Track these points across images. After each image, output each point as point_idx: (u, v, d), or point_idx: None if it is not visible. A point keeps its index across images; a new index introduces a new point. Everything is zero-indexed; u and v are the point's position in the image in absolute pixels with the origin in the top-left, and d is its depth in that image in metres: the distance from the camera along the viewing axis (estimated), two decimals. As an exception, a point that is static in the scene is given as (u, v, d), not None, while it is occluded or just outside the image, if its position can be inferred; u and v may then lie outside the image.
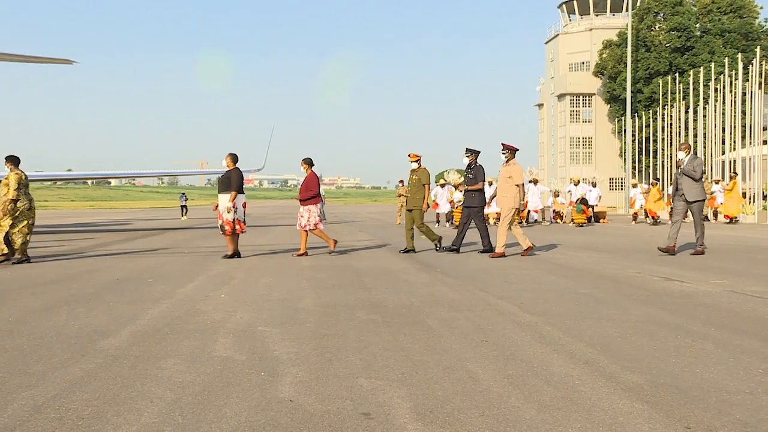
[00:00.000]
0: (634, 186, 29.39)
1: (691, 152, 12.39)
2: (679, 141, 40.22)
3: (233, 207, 11.97)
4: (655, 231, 21.38)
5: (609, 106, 63.30)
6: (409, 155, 13.41)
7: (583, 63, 68.19)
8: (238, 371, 4.28)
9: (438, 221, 25.89)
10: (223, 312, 6.50)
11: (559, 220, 28.21)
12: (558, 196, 29.14)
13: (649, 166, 51.79)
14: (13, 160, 11.69)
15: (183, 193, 43.00)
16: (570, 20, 70.57)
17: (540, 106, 77.29)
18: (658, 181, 33.31)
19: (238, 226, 12.13)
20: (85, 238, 18.42)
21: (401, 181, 29.51)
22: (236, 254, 12.23)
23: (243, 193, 12.33)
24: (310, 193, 12.59)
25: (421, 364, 4.45)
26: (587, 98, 67.99)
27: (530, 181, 26.95)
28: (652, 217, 26.45)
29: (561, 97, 69.44)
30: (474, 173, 13.24)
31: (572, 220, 26.19)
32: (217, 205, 12.23)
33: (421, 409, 3.53)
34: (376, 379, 4.08)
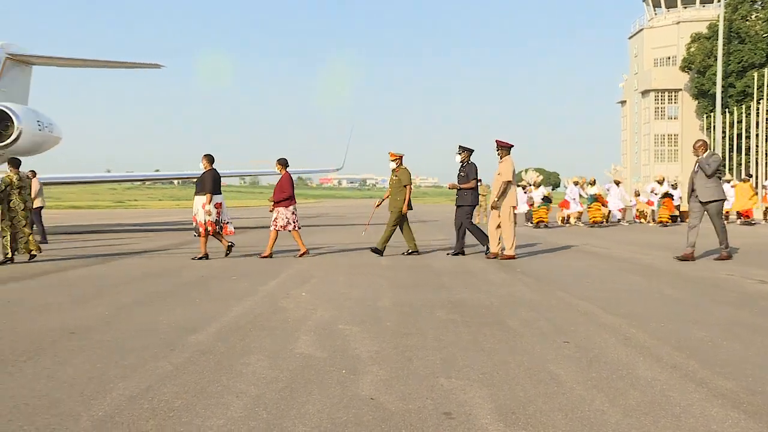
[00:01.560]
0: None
1: (709, 150, 11.27)
2: None
3: (213, 208, 11.96)
4: (746, 232, 20.47)
5: (697, 101, 61.01)
6: (389, 153, 12.86)
7: (669, 58, 66.01)
8: (320, 369, 4.35)
9: (515, 221, 25.37)
10: (304, 310, 6.61)
11: (642, 220, 27.37)
12: (639, 195, 28.27)
13: (740, 164, 49.63)
14: (14, 162, 12.12)
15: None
16: (656, 14, 68.36)
17: (623, 103, 75.24)
18: (751, 177, 31.78)
19: (218, 228, 12.14)
20: (170, 237, 19.07)
21: (480, 180, 29.21)
22: (206, 257, 11.98)
23: (219, 194, 12.26)
24: (284, 194, 12.43)
25: (502, 364, 4.41)
26: (673, 94, 65.81)
27: (613, 182, 26.26)
28: (746, 217, 25.21)
29: (645, 93, 67.43)
30: (466, 171, 12.70)
31: (653, 219, 25.38)
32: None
33: (503, 410, 3.50)
34: (457, 379, 4.06)
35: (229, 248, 12.39)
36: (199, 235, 12.18)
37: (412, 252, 12.68)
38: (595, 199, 24.35)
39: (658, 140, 66.57)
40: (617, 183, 26.16)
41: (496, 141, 12.13)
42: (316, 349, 4.91)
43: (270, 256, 12.21)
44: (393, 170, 12.87)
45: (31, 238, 11.66)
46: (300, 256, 12.37)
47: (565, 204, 25.76)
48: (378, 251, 12.40)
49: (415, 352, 4.76)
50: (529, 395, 3.74)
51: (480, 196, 27.77)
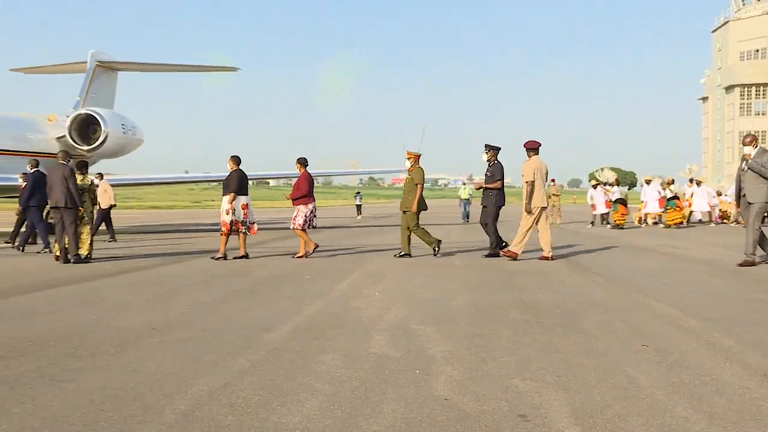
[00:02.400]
0: None
1: (759, 146, 10.48)
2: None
3: (231, 209, 12.04)
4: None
5: (787, 96, 58.23)
6: (406, 152, 12.55)
7: (758, 51, 63.25)
8: (394, 368, 4.37)
9: (593, 222, 24.76)
10: (378, 309, 6.65)
11: (726, 221, 26.33)
12: (721, 195, 27.17)
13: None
14: (81, 165, 12.62)
15: (358, 192, 42.02)
16: (743, 5, 65.60)
17: (704, 99, 72.61)
18: None
19: (245, 228, 12.18)
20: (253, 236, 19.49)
21: (552, 180, 28.75)
22: (224, 257, 11.96)
23: (246, 194, 12.34)
24: (300, 193, 12.44)
25: (578, 366, 4.33)
26: (761, 89, 63.03)
27: (692, 181, 25.34)
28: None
29: (729, 88, 64.87)
30: (492, 171, 12.35)
31: (737, 221, 24.40)
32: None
33: (579, 413, 3.43)
34: (532, 381, 4.01)
35: (244, 257, 12.14)
36: (222, 234, 12.19)
37: (404, 255, 12.18)
38: (675, 199, 23.60)
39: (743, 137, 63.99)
40: (698, 183, 25.24)
41: (524, 144, 11.87)
42: (389, 348, 4.93)
43: (305, 255, 12.25)
44: (408, 169, 12.60)
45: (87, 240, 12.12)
46: (297, 257, 12.26)
47: (642, 204, 25.06)
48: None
49: (489, 353, 4.73)
50: (606, 399, 3.65)
51: (554, 196, 27.34)
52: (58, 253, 11.68)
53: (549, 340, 5.11)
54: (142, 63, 29.20)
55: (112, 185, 19.70)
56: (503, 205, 12.40)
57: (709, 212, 26.08)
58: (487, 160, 12.48)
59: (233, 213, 12.11)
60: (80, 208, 11.70)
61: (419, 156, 12.56)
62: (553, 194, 27.49)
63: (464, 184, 32.60)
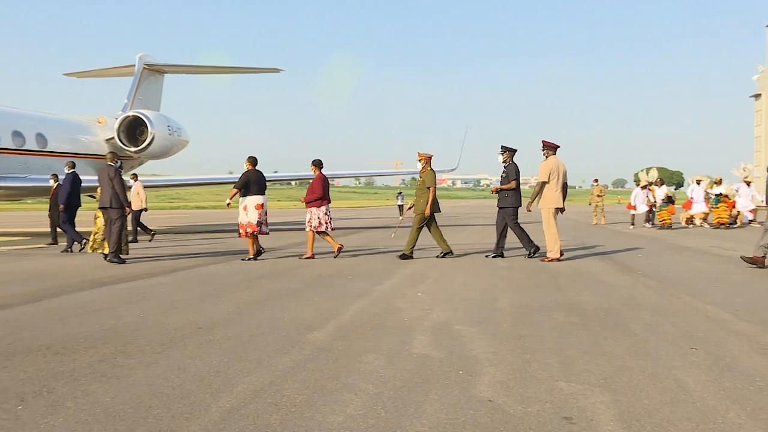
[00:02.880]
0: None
1: None
2: None
3: (254, 210, 12.12)
4: None
5: None
6: (417, 153, 12.49)
7: (814, 45, 61.23)
8: (437, 369, 4.36)
9: (633, 223, 24.22)
10: (420, 310, 6.64)
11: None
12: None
13: None
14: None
15: (400, 192, 41.57)
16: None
17: (757, 96, 70.73)
18: None
19: (259, 229, 12.24)
20: (288, 236, 19.64)
21: (596, 180, 28.32)
22: (258, 253, 12.22)
23: (262, 195, 12.41)
24: (314, 195, 12.45)
25: (625, 369, 4.26)
26: (816, 85, 60.98)
27: (743, 182, 24.68)
28: None
29: (784, 85, 62.94)
30: (507, 172, 12.30)
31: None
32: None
33: (626, 416, 3.38)
34: (577, 383, 3.96)
35: (257, 255, 12.23)
36: (246, 235, 12.29)
37: (446, 254, 12.19)
38: (721, 199, 23.05)
39: (797, 136, 62.03)
40: (747, 183, 24.57)
41: (542, 141, 11.80)
42: (432, 349, 4.92)
43: (312, 257, 12.25)
44: (420, 171, 12.53)
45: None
46: (336, 255, 12.39)
47: (688, 204, 24.51)
48: (407, 256, 11.94)
49: (533, 355, 4.68)
50: (654, 403, 3.59)
51: (597, 197, 26.93)
52: (107, 252, 11.94)
53: (594, 342, 5.04)
54: (188, 65, 29.71)
55: (155, 186, 20.06)
56: (519, 206, 12.32)
57: (755, 211, 25.35)
58: (503, 162, 12.45)
59: (246, 214, 12.22)
60: (126, 209, 11.94)
61: (431, 157, 12.52)
62: (597, 195, 27.08)
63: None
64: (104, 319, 6.18)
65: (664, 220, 22.87)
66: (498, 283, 8.65)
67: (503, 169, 12.43)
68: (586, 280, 8.84)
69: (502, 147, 12.48)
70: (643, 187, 24.51)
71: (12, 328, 5.76)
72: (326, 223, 12.56)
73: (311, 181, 12.84)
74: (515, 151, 12.41)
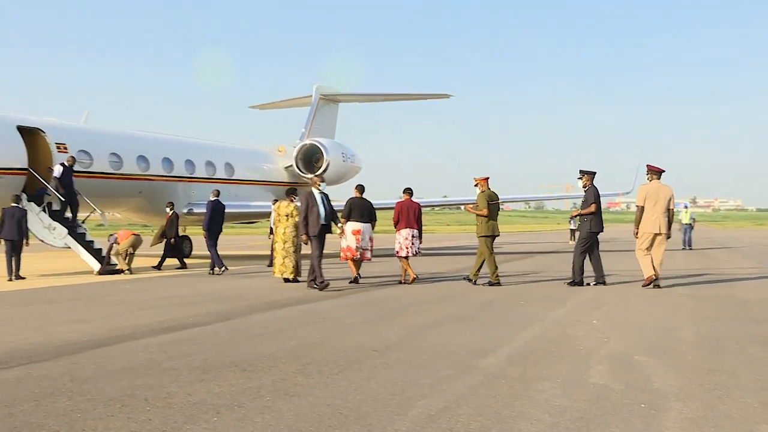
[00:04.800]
0: None
1: None
2: None
3: (350, 235, 12.28)
4: None
5: None
6: (473, 178, 12.36)
7: None
8: (616, 401, 4.17)
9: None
10: (596, 338, 6.39)
11: None
12: None
13: None
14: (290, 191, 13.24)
15: (572, 217, 40.91)
16: None
17: None
18: None
19: (358, 254, 12.37)
20: (458, 261, 19.67)
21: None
22: (354, 280, 12.29)
23: (366, 222, 12.58)
24: (394, 220, 12.75)
25: (836, 413, 3.83)
26: None
27: None
28: None
29: None
30: (587, 196, 11.79)
31: None
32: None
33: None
34: (779, 426, 3.62)
35: (356, 279, 12.40)
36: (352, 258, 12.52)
37: (493, 284, 11.62)
38: None
39: None
40: None
41: (647, 165, 11.39)
42: (611, 379, 4.71)
43: (403, 281, 12.27)
44: (477, 195, 12.31)
45: (285, 262, 12.71)
46: (411, 281, 12.23)
47: None
48: (495, 283, 11.57)
49: (725, 391, 4.34)
50: None
51: None
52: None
53: (797, 380, 4.59)
54: (361, 94, 30.85)
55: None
56: (600, 231, 11.82)
57: None
58: (583, 186, 12.04)
59: (346, 239, 12.51)
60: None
61: (487, 179, 12.31)
62: None
63: (686, 207, 30.28)
64: (285, 339, 6.52)
65: None
66: (679, 312, 8.14)
67: (584, 193, 12.07)
68: (783, 311, 8.09)
69: (581, 171, 12.17)
70: None
71: (207, 344, 6.23)
72: (407, 248, 12.64)
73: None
74: (594, 173, 12.04)
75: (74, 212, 15.79)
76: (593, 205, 11.72)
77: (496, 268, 11.86)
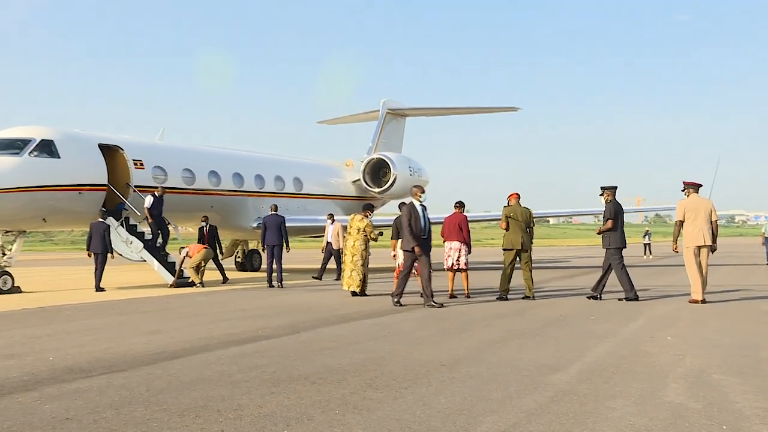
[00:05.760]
0: None
1: None
2: None
3: (399, 252, 11.97)
4: None
5: None
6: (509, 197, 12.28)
7: None
8: (694, 421, 4.03)
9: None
10: (671, 355, 6.20)
11: None
12: None
13: None
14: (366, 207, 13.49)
15: (647, 231, 39.19)
16: None
17: None
18: None
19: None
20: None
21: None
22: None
23: None
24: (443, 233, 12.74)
25: None
26: None
27: None
28: None
29: None
30: (605, 212, 11.73)
31: None
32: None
33: None
34: None
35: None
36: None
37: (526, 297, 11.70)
38: None
39: None
40: None
41: (683, 182, 11.28)
42: (688, 398, 4.56)
43: (451, 294, 12.31)
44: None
45: (352, 275, 12.74)
46: (450, 296, 12.24)
47: None
48: (529, 297, 11.68)
49: (814, 414, 4.15)
50: None
51: None
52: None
53: None
54: (428, 108, 30.96)
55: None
56: (622, 246, 11.64)
57: None
58: (606, 201, 11.81)
59: (398, 256, 12.46)
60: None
61: (518, 195, 12.30)
62: None
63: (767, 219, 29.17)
64: (354, 352, 6.56)
65: None
66: (762, 330, 7.83)
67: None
68: None
69: (602, 188, 12.03)
70: None
71: (276, 357, 6.34)
72: (454, 263, 12.60)
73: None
74: (615, 188, 11.87)
75: (165, 240, 16.38)
76: (610, 221, 11.62)
77: (507, 282, 11.87)
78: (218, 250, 17.49)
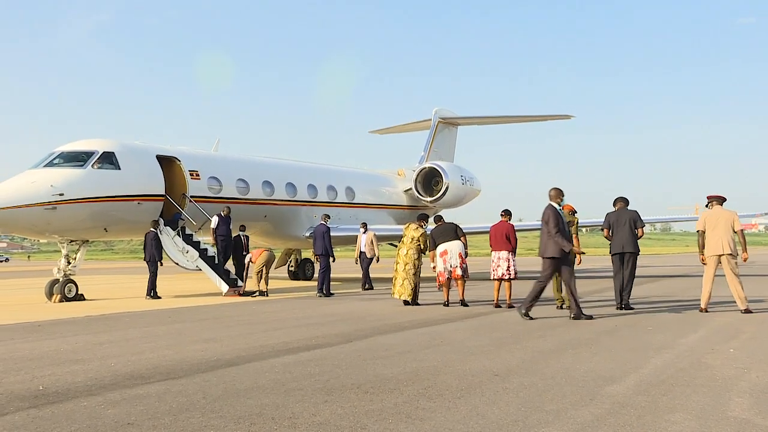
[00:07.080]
0: None
1: None
2: None
3: (439, 258, 12.51)
4: None
5: None
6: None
7: None
8: (760, 436, 3.90)
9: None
10: (735, 368, 6.01)
11: None
12: None
13: None
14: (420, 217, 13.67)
15: None
16: None
17: None
18: None
19: (447, 275, 12.50)
20: (596, 284, 19.11)
21: None
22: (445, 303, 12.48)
23: (449, 241, 12.63)
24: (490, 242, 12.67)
25: None
26: None
27: None
28: None
29: None
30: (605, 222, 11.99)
31: None
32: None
33: None
34: None
35: (462, 302, 12.47)
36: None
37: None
38: None
39: None
40: None
41: (707, 197, 11.32)
42: (754, 414, 4.42)
43: (496, 304, 12.21)
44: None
45: (404, 284, 12.75)
46: (495, 305, 12.19)
47: None
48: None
49: None
50: None
51: None
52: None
53: None
54: (480, 117, 30.85)
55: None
56: (614, 252, 11.72)
57: None
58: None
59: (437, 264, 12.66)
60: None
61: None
62: None
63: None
64: (407, 362, 6.56)
65: None
66: (831, 342, 7.52)
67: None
68: None
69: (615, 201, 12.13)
70: None
71: (329, 366, 6.37)
72: (505, 272, 12.34)
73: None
74: (626, 199, 12.01)
75: (226, 258, 16.69)
76: (606, 230, 11.96)
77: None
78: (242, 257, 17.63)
